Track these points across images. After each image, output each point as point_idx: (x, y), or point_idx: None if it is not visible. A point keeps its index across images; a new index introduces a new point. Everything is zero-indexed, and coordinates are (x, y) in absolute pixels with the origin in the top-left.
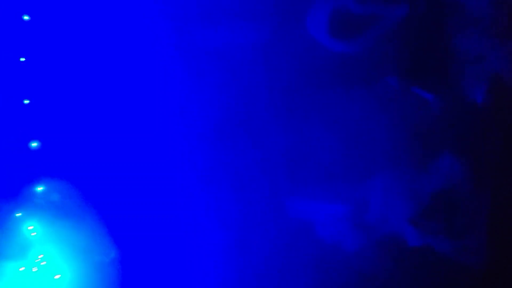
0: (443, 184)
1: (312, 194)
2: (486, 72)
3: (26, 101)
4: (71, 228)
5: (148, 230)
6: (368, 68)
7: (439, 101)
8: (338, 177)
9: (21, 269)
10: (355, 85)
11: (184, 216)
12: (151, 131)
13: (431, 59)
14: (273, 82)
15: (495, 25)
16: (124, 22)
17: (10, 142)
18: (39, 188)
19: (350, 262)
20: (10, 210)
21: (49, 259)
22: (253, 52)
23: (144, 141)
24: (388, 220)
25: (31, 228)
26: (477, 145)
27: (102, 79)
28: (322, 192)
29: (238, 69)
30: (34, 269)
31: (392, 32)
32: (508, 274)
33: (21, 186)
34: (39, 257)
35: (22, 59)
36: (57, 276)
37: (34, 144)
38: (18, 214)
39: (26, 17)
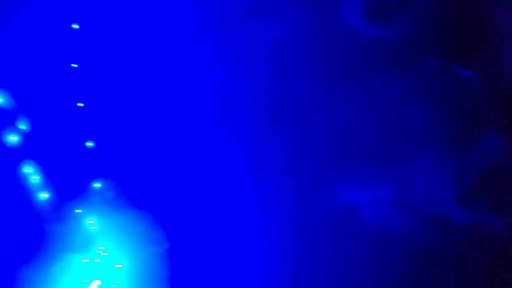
0: (489, 161)
1: (358, 179)
2: None
3: (80, 104)
4: (128, 221)
5: (199, 220)
6: (406, 50)
7: (480, 78)
8: (383, 160)
9: (84, 261)
10: (394, 68)
11: (234, 206)
12: (201, 125)
13: (470, 36)
14: (314, 71)
15: None
16: (169, 22)
17: (68, 143)
18: (96, 186)
19: (398, 244)
20: (71, 207)
21: (109, 250)
22: (292, 42)
23: (194, 135)
24: (434, 200)
25: (91, 223)
26: None
27: (150, 79)
28: (367, 176)
29: (280, 59)
30: (97, 260)
31: (427, 12)
32: None
33: (79, 184)
34: (100, 249)
35: (74, 65)
36: (117, 266)
37: (89, 144)
38: (78, 211)
39: (75, 26)
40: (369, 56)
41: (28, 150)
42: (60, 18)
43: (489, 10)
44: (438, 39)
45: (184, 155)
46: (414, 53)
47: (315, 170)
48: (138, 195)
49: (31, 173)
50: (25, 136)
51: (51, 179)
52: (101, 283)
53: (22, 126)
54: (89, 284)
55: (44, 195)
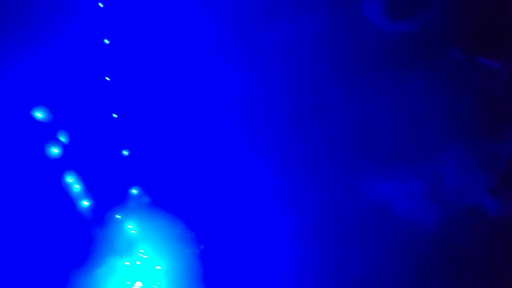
0: None
1: (387, 174)
2: None
3: (115, 115)
4: (165, 225)
5: (231, 221)
6: (429, 43)
7: (506, 68)
8: (411, 155)
9: (126, 264)
10: (419, 62)
11: (264, 206)
12: (224, 128)
13: (494, 27)
14: (336, 69)
15: None
16: (190, 30)
17: (105, 153)
18: (134, 192)
19: (430, 237)
20: (111, 213)
21: (149, 253)
22: (313, 41)
23: (219, 138)
24: (465, 192)
25: (131, 227)
26: None
27: (176, 87)
28: (397, 171)
29: (302, 58)
30: (138, 263)
31: (450, 4)
32: None
33: (118, 191)
34: (141, 252)
35: (107, 79)
36: (157, 268)
37: (125, 153)
38: (118, 216)
39: (106, 41)
40: (392, 51)
41: (69, 161)
42: (92, 34)
43: None
44: (461, 31)
45: (212, 159)
46: (437, 46)
47: (343, 168)
48: (173, 199)
49: (72, 182)
50: (66, 148)
51: (92, 187)
52: (142, 284)
53: (62, 139)
54: (131, 285)
55: (85, 203)
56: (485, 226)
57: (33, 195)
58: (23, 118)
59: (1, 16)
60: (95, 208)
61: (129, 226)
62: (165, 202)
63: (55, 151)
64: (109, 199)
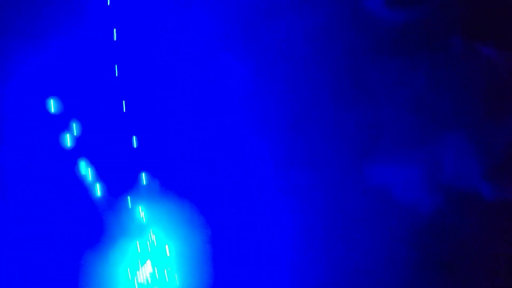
0: None
1: (388, 159)
2: None
3: (124, 107)
4: (174, 211)
5: (238, 207)
6: (430, 32)
7: (506, 57)
8: (412, 140)
9: (138, 248)
10: (420, 50)
11: (268, 191)
12: (231, 119)
13: (495, 15)
14: (338, 58)
15: None
16: (196, 26)
17: (115, 143)
18: (144, 179)
19: (428, 221)
20: (123, 200)
21: (159, 238)
22: (315, 33)
23: (226, 129)
24: (463, 177)
25: (142, 213)
26: None
27: (183, 80)
28: (397, 156)
29: (304, 50)
30: (148, 247)
31: None
32: None
33: (128, 179)
34: (151, 237)
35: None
36: (167, 252)
37: (134, 142)
38: (129, 203)
39: (114, 35)
40: (393, 40)
41: (81, 151)
42: (101, 27)
43: None
44: (462, 20)
45: (218, 148)
46: (438, 35)
47: (344, 153)
48: (181, 186)
49: (85, 171)
50: (78, 139)
51: (103, 175)
52: (153, 267)
53: (75, 130)
54: (142, 268)
55: (98, 190)
56: (481, 211)
57: (48, 183)
58: (37, 109)
59: (14, 13)
60: (106, 194)
61: (140, 212)
62: (174, 188)
63: (68, 142)
64: (120, 187)
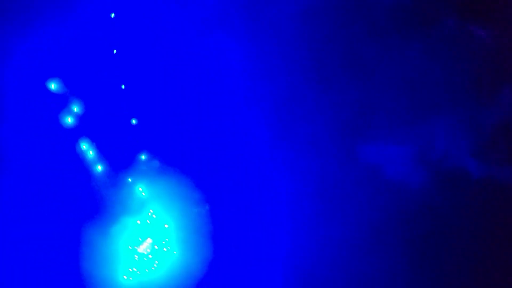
0: (503, 117)
1: (380, 137)
2: None
3: (123, 86)
4: (172, 187)
5: (235, 184)
6: (425, 12)
7: (497, 37)
8: (403, 119)
9: (138, 222)
10: (414, 30)
11: (264, 169)
12: (230, 98)
13: None
14: (335, 37)
15: None
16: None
17: (116, 122)
18: (143, 157)
19: (417, 196)
20: (123, 176)
21: (158, 213)
22: (313, 11)
23: (225, 107)
24: (452, 156)
25: (141, 189)
26: None
27: (182, 59)
28: (388, 135)
29: (306, 28)
30: (148, 222)
31: None
32: None
33: (128, 157)
34: (150, 212)
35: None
36: (166, 226)
37: (133, 121)
38: (129, 180)
39: (112, 15)
40: (390, 19)
41: (83, 129)
42: (104, 10)
43: None
44: (456, 1)
45: (216, 127)
46: (432, 15)
47: (338, 130)
48: (179, 163)
49: (86, 149)
50: (80, 118)
51: (104, 153)
52: (152, 240)
53: (76, 109)
54: (142, 242)
55: (99, 167)
56: (469, 187)
57: (50, 161)
58: (40, 89)
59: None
60: (108, 172)
61: (139, 189)
62: (173, 165)
63: (69, 120)
64: (121, 164)
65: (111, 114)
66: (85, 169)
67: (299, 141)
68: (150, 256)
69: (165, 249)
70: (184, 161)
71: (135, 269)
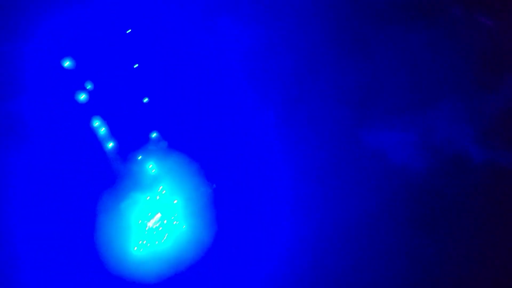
0: (505, 104)
1: (384, 123)
2: None
3: (135, 65)
4: (181, 165)
5: (240, 164)
6: (431, 1)
7: (501, 26)
8: (406, 106)
9: (147, 198)
10: (419, 18)
11: (269, 152)
12: (235, 82)
13: None
14: (340, 24)
15: None
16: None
17: (127, 100)
18: (153, 135)
19: (420, 182)
20: (133, 154)
21: (167, 189)
22: (320, 1)
23: (231, 91)
24: (455, 141)
25: (151, 166)
26: None
27: (190, 42)
28: (392, 121)
29: (310, 16)
30: (157, 198)
31: None
32: None
33: (139, 134)
34: (160, 188)
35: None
36: (174, 201)
37: (145, 100)
38: (139, 157)
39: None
40: (395, 6)
41: (95, 106)
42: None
43: None
44: None
45: (224, 110)
46: (438, 3)
47: (343, 118)
48: (189, 142)
49: (98, 126)
50: (92, 95)
51: (116, 130)
52: (161, 216)
53: (89, 86)
54: (152, 217)
55: (110, 144)
56: (470, 172)
57: (64, 137)
58: (56, 66)
59: None
60: (119, 149)
61: (149, 166)
62: (182, 144)
63: (82, 97)
64: (131, 141)
65: (123, 92)
66: (97, 145)
67: (304, 124)
68: (160, 229)
69: (175, 222)
70: (193, 140)
71: (145, 242)
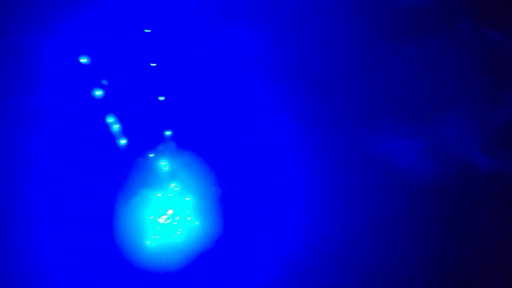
0: (510, 115)
1: (393, 131)
2: None
3: (153, 64)
4: (194, 163)
5: (252, 163)
6: (441, 15)
7: (507, 40)
8: (415, 115)
9: (159, 195)
10: (430, 32)
11: (281, 155)
12: (251, 83)
13: (501, 2)
14: (358, 35)
15: None
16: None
17: (143, 98)
18: (167, 133)
19: (426, 189)
20: (146, 152)
21: (179, 186)
22: (339, 8)
23: (247, 91)
24: (462, 150)
25: (163, 164)
26: None
27: (207, 42)
28: (402, 129)
29: (328, 24)
30: (169, 195)
31: None
32: None
33: (153, 132)
34: (172, 185)
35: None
36: (187, 199)
37: (161, 98)
38: (151, 155)
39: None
40: (406, 21)
41: (111, 103)
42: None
43: None
44: (471, 5)
45: (237, 113)
46: (448, 18)
47: (354, 125)
48: (201, 141)
49: (112, 122)
50: (108, 92)
51: (130, 127)
52: (173, 212)
53: (105, 83)
54: (164, 213)
55: (123, 141)
56: (476, 180)
57: (79, 132)
58: (75, 63)
59: None
60: (132, 146)
61: (162, 163)
62: (194, 143)
63: (98, 93)
64: (145, 139)
65: (139, 90)
66: (111, 141)
67: (314, 133)
68: (174, 223)
69: (188, 218)
70: (205, 139)
71: (157, 236)
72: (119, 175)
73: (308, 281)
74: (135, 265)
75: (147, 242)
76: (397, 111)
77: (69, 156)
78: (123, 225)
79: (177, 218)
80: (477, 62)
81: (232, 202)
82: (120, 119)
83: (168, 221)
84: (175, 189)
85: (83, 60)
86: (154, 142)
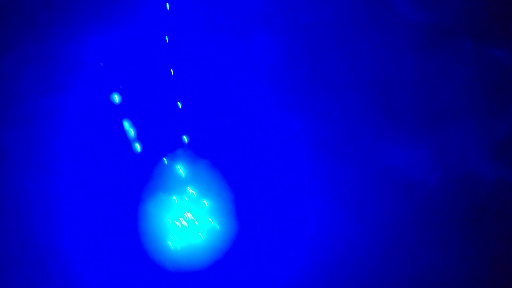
0: None
1: (400, 142)
2: None
3: (171, 70)
4: (211, 168)
5: (265, 170)
6: (445, 34)
7: (508, 57)
8: (423, 125)
9: (176, 199)
10: (432, 47)
11: (293, 164)
12: (260, 88)
13: (502, 19)
14: (364, 47)
15: None
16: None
17: (160, 102)
18: (184, 138)
19: (433, 198)
20: (161, 157)
21: (196, 191)
22: (346, 21)
23: (256, 98)
24: (467, 160)
25: (180, 169)
26: None
27: (221, 47)
28: (408, 139)
29: (335, 36)
30: (186, 199)
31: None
32: None
33: (170, 137)
34: (190, 190)
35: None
36: (205, 203)
37: (179, 104)
38: (168, 160)
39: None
40: (413, 37)
41: (128, 108)
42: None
43: None
44: (475, 23)
45: (251, 121)
46: (452, 36)
47: (360, 132)
48: (217, 147)
49: (129, 127)
50: (125, 96)
51: (146, 133)
52: (192, 215)
53: (122, 87)
54: (183, 215)
55: (139, 146)
56: (482, 189)
57: (96, 138)
58: (93, 68)
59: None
60: (148, 151)
61: (178, 168)
62: (211, 148)
63: (115, 97)
64: (161, 144)
65: (157, 95)
66: (128, 146)
67: (324, 143)
68: (191, 226)
69: (210, 219)
70: (222, 145)
71: (177, 238)
72: (136, 180)
73: (332, 281)
74: (158, 266)
75: (169, 243)
76: (404, 121)
77: (92, 159)
78: (145, 227)
79: (196, 223)
80: (480, 77)
81: (253, 205)
82: (139, 123)
83: (187, 225)
84: (193, 194)
85: (105, 66)
86: (171, 147)
